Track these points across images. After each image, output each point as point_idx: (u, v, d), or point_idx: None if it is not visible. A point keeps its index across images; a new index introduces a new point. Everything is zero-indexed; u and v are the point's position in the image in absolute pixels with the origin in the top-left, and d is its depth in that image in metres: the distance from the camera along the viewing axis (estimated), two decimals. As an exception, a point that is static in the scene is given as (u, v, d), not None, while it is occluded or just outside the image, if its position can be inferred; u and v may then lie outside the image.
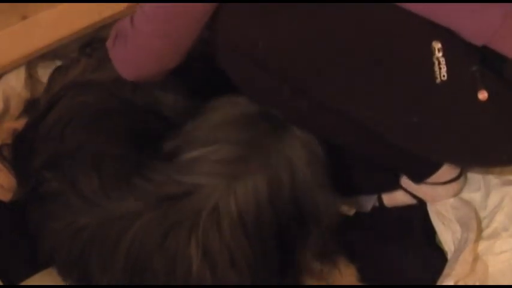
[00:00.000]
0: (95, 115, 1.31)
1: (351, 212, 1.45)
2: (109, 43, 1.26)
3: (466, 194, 1.43)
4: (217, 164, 1.19)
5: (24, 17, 1.49)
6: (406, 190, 1.43)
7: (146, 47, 1.19)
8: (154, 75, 1.25)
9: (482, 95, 1.11)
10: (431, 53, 1.11)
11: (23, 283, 1.31)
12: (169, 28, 1.17)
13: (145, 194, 1.17)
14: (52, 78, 1.52)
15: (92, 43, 1.54)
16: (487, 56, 1.11)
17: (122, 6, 1.53)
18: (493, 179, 1.41)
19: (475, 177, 1.43)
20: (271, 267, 1.22)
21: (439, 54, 1.11)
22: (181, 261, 1.16)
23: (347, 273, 1.33)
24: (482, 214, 1.39)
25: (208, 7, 1.15)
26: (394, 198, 1.45)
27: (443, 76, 1.11)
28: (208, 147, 1.20)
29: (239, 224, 1.17)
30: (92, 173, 1.21)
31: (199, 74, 1.33)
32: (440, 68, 1.11)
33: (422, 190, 1.41)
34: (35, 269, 1.31)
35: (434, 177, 1.38)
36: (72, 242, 1.21)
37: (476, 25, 1.10)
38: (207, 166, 1.18)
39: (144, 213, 1.16)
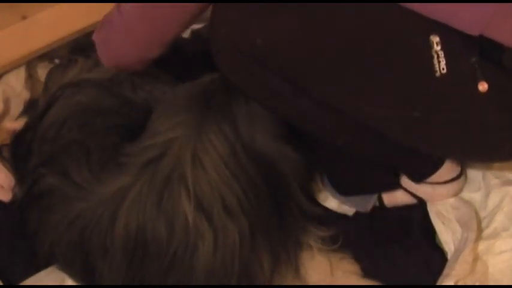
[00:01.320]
0: (91, 115, 1.32)
1: (351, 212, 1.45)
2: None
3: (466, 194, 1.42)
4: (180, 114, 1.23)
5: (24, 17, 1.50)
6: (406, 190, 1.42)
7: (129, 30, 1.22)
8: (133, 63, 1.27)
9: (482, 86, 1.11)
10: (429, 46, 1.11)
11: (23, 283, 1.31)
12: (154, 14, 1.19)
13: (129, 167, 1.19)
14: (49, 78, 1.52)
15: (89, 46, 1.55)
16: (485, 47, 1.11)
17: (121, 6, 1.53)
18: (493, 179, 1.41)
19: (475, 177, 1.43)
20: (265, 208, 1.24)
21: (438, 48, 1.11)
22: (178, 217, 1.17)
23: (350, 271, 1.33)
24: (482, 214, 1.39)
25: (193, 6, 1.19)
26: (394, 198, 1.44)
27: (443, 69, 1.11)
28: (168, 111, 1.25)
29: (222, 163, 1.20)
30: (82, 162, 1.23)
31: (198, 72, 1.33)
32: (439, 62, 1.11)
33: (422, 190, 1.41)
34: (35, 269, 1.32)
35: (434, 177, 1.38)
36: (70, 232, 1.22)
37: (470, 14, 1.10)
38: (171, 121, 1.22)
39: (133, 184, 1.18)
